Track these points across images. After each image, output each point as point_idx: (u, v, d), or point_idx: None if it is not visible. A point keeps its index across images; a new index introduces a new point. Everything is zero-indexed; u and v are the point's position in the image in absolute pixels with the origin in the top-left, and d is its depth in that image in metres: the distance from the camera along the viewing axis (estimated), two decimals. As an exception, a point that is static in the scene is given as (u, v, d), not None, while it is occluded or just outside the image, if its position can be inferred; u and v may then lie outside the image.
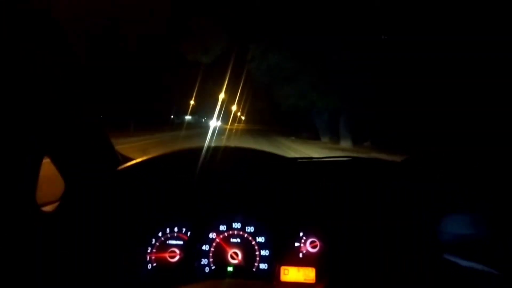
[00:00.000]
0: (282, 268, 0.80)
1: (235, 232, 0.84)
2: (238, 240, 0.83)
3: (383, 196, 0.83)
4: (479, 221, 0.76)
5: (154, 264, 0.82)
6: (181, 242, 0.83)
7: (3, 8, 0.52)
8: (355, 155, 1.07)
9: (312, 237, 0.82)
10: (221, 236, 0.83)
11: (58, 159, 0.73)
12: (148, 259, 0.82)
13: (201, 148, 0.88)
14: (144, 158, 0.91)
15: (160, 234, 0.84)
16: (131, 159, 0.91)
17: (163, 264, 0.82)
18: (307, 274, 0.80)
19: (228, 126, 29.38)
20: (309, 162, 0.99)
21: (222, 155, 0.88)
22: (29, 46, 0.59)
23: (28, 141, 0.65)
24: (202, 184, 0.87)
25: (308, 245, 0.81)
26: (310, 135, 15.97)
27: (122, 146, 6.80)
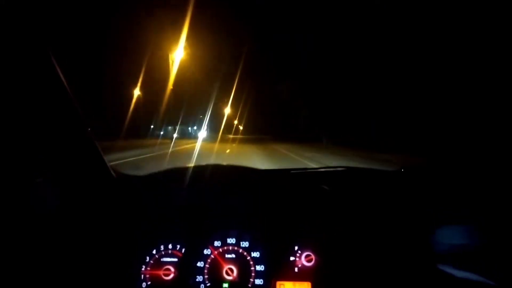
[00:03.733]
0: (278, 283, 0.79)
1: (230, 247, 0.83)
2: (233, 255, 0.83)
3: (377, 207, 0.83)
4: (474, 231, 0.76)
5: (149, 283, 0.80)
6: (175, 259, 0.82)
7: (3, 15, 0.53)
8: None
9: (307, 251, 0.82)
10: (216, 252, 0.83)
11: (52, 176, 0.73)
12: (142, 277, 0.81)
13: (194, 166, 0.89)
14: (138, 175, 0.91)
15: (154, 251, 0.83)
16: (125, 175, 0.92)
17: (157, 282, 0.80)
18: None
19: (217, 144, 16.65)
20: (302, 174, 0.99)
21: (215, 172, 0.89)
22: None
23: (37, 159, 0.66)
24: (196, 200, 0.87)
25: (303, 259, 0.81)
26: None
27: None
